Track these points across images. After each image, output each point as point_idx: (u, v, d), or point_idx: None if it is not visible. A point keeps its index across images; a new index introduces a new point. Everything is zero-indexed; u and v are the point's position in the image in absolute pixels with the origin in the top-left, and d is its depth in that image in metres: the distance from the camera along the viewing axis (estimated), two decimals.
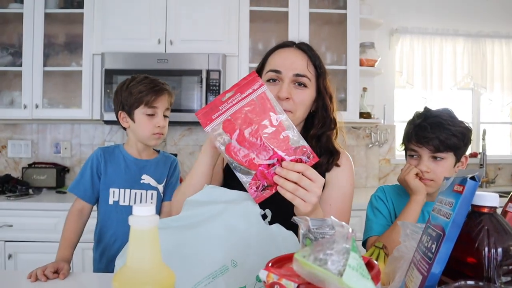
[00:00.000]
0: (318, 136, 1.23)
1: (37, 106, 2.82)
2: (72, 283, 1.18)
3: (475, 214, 0.69)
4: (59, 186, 3.01)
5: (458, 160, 1.35)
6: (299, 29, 2.93)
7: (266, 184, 0.92)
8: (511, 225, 0.76)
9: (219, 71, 2.78)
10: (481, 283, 0.60)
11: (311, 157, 0.92)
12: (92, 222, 1.61)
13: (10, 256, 2.47)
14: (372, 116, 3.12)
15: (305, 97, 1.18)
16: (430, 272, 0.64)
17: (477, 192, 0.68)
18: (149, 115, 1.53)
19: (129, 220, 0.62)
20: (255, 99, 0.93)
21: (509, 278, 0.64)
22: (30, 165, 3.08)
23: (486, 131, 3.37)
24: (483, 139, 3.38)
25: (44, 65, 2.85)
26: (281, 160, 0.91)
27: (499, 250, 0.64)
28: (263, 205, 0.92)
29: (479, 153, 3.44)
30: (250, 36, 2.93)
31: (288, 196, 0.90)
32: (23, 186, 2.79)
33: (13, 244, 2.48)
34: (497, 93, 3.44)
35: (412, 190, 1.34)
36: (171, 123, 3.03)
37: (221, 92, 2.75)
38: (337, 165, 1.25)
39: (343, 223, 0.59)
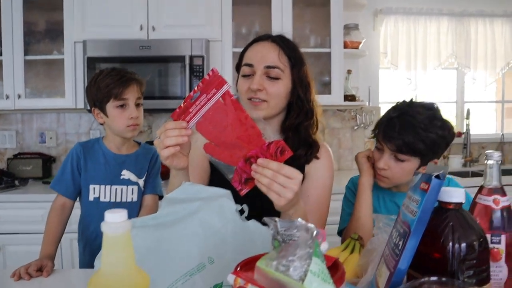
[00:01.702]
0: (295, 127, 1.24)
1: (19, 96, 2.79)
2: (56, 280, 1.20)
3: (442, 210, 0.71)
4: (46, 176, 3.00)
5: (425, 164, 1.26)
6: (282, 12, 2.90)
7: (247, 177, 0.93)
8: (476, 220, 0.78)
9: (203, 57, 2.76)
10: (444, 279, 0.62)
11: (285, 152, 0.93)
12: (77, 213, 1.62)
13: None
14: (357, 99, 3.13)
15: (279, 88, 1.19)
16: (396, 268, 0.66)
17: (443, 188, 0.70)
18: (120, 107, 1.52)
19: (101, 226, 0.63)
20: (221, 99, 0.93)
21: (471, 273, 0.66)
22: (15, 156, 3.06)
23: (470, 110, 3.40)
24: (467, 118, 3.41)
25: (25, 54, 2.81)
26: (256, 156, 0.92)
27: (463, 245, 0.67)
28: (240, 200, 0.93)
29: (463, 132, 3.48)
30: (233, 20, 2.90)
31: (263, 189, 0.92)
32: (9, 178, 2.77)
33: (1, 237, 2.49)
34: (480, 72, 3.46)
35: (359, 170, 1.34)
36: (156, 111, 3.06)
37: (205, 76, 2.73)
38: (317, 157, 1.26)
39: (310, 225, 0.60)
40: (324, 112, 3.22)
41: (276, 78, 1.19)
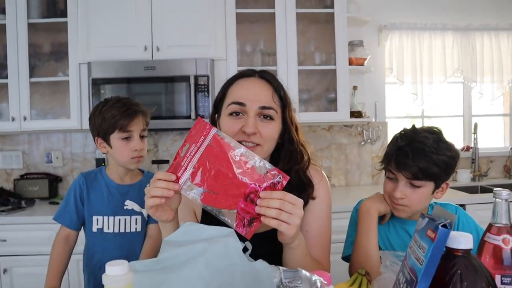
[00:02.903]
0: (287, 172, 1.16)
1: (25, 118, 2.80)
2: None
3: (449, 256, 0.69)
4: (52, 196, 3.01)
5: (438, 187, 1.28)
6: (286, 29, 2.91)
7: (250, 218, 0.92)
8: (486, 259, 0.76)
9: (207, 76, 2.77)
10: None
11: (281, 177, 0.93)
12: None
13: (5, 271, 2.48)
14: (363, 115, 3.11)
15: (273, 130, 1.13)
16: None
17: (451, 234, 0.68)
18: (124, 139, 1.52)
19: (102, 279, 0.62)
20: (210, 144, 0.93)
21: None
22: (22, 176, 3.07)
23: (477, 124, 3.38)
24: (475, 133, 3.38)
25: (30, 76, 2.82)
26: (255, 191, 0.91)
27: None
28: (242, 238, 0.92)
29: (471, 147, 3.45)
30: (238, 38, 2.91)
31: (273, 223, 0.90)
32: (16, 199, 2.78)
33: (8, 259, 2.48)
34: (487, 86, 3.44)
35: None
36: (163, 130, 3.06)
37: (209, 96, 2.74)
38: (313, 198, 1.21)
39: (313, 277, 0.59)
40: (330, 128, 3.28)
41: (270, 120, 1.13)
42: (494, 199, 0.83)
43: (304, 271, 0.61)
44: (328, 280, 0.75)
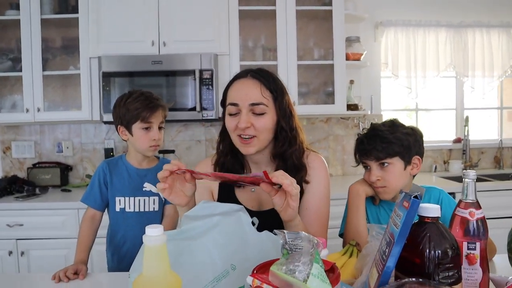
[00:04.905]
0: (281, 155, 1.34)
1: (38, 110, 2.95)
2: (90, 282, 1.36)
3: (421, 223, 0.85)
4: (64, 184, 3.18)
5: (408, 162, 1.45)
6: (286, 26, 3.05)
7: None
8: (456, 230, 0.93)
9: (212, 70, 2.91)
10: (421, 280, 0.77)
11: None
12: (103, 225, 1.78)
13: (22, 253, 2.64)
14: (359, 108, 3.27)
15: (265, 122, 1.28)
16: (383, 270, 0.81)
17: (422, 205, 0.84)
18: (145, 129, 1.68)
19: (143, 239, 0.78)
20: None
21: (445, 274, 0.81)
22: (34, 165, 3.23)
23: (468, 117, 3.54)
24: (466, 125, 3.54)
25: (43, 69, 2.97)
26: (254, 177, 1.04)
27: (438, 252, 0.81)
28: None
29: (463, 138, 3.61)
30: (240, 34, 3.06)
31: (289, 188, 1.02)
32: (30, 186, 2.94)
33: (25, 242, 2.65)
34: (478, 80, 3.60)
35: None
36: (168, 121, 3.19)
37: (213, 89, 2.89)
38: (306, 182, 1.35)
39: (311, 236, 0.75)
40: (328, 120, 3.44)
41: (262, 113, 1.27)
42: (463, 179, 0.99)
43: (304, 233, 0.77)
44: (324, 243, 0.91)
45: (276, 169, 1.29)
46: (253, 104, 1.27)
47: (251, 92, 1.28)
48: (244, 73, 1.34)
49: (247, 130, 1.26)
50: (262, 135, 1.28)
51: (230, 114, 1.30)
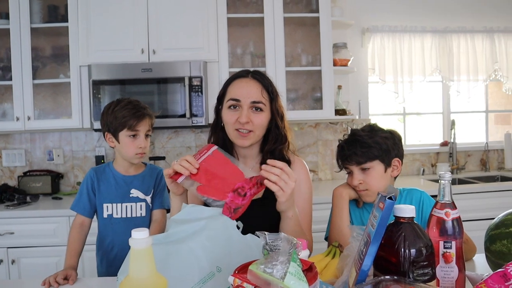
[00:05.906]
0: (271, 150, 1.47)
1: (29, 118, 2.96)
2: (80, 287, 1.37)
3: (397, 223, 0.89)
4: (55, 192, 3.18)
5: (388, 165, 1.50)
6: (274, 33, 3.10)
7: (235, 207, 1.13)
8: (425, 231, 0.97)
9: (201, 77, 2.94)
10: (396, 277, 0.81)
11: (262, 182, 1.16)
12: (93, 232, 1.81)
13: (13, 261, 2.64)
14: (347, 112, 3.32)
15: (262, 119, 1.41)
16: (360, 269, 0.84)
17: (398, 206, 0.88)
18: (131, 136, 1.71)
19: (129, 242, 0.80)
20: (211, 154, 1.24)
21: (420, 272, 0.85)
22: (25, 173, 3.24)
23: (455, 121, 3.60)
24: (452, 128, 3.60)
25: (34, 78, 2.99)
26: (242, 187, 1.15)
27: (412, 251, 0.85)
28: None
29: (450, 142, 3.67)
30: (229, 42, 3.10)
31: (273, 187, 1.15)
32: (21, 195, 2.95)
33: (16, 250, 2.65)
34: (463, 84, 3.67)
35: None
36: (159, 128, 3.24)
37: (203, 96, 2.92)
38: None
39: (290, 238, 0.78)
40: (317, 125, 3.48)
41: (260, 112, 1.41)
42: (439, 181, 1.03)
43: (284, 234, 0.81)
44: (304, 244, 0.95)
45: (262, 163, 1.39)
46: (254, 102, 1.40)
47: (252, 91, 1.41)
48: (245, 73, 1.47)
49: (246, 125, 1.38)
50: (258, 131, 1.42)
51: (230, 107, 1.41)
